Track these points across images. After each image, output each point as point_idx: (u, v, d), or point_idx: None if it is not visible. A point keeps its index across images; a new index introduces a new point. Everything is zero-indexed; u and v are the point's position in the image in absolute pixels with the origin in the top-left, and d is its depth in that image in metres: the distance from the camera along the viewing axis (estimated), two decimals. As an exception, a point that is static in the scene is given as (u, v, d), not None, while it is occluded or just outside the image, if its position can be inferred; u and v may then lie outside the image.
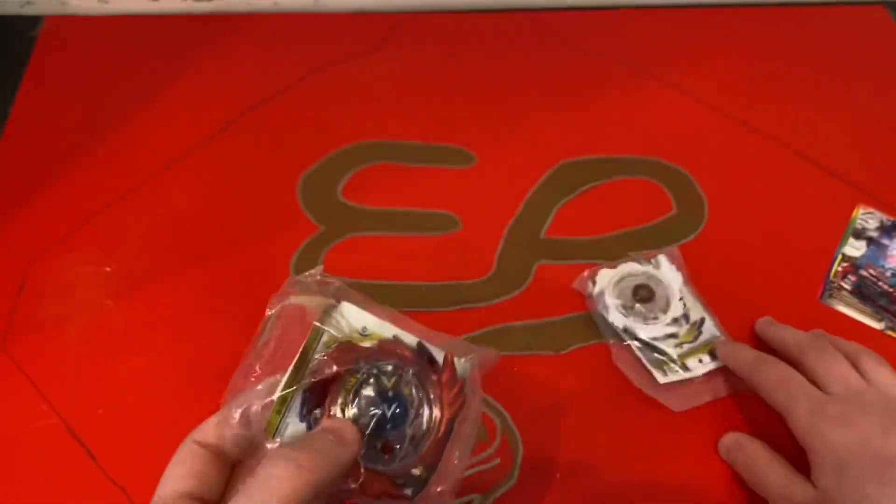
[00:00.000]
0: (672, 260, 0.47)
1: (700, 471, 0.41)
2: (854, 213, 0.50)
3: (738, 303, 0.47)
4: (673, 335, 0.44)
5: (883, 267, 0.47)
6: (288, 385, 0.28)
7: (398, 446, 0.29)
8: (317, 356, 0.29)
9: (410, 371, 0.29)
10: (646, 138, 0.55)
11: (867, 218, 0.50)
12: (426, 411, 0.29)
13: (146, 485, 0.40)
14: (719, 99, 0.57)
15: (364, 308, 0.31)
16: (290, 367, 0.29)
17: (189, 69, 0.58)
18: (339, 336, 0.30)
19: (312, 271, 0.32)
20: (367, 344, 0.30)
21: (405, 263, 0.48)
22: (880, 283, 0.46)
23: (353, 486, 0.27)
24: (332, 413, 0.28)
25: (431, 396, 0.29)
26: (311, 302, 0.31)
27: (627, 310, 0.45)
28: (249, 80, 0.58)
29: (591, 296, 0.46)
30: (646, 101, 0.57)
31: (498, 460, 0.41)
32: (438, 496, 0.28)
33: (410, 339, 0.30)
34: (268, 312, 0.31)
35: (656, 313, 0.45)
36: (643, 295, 0.45)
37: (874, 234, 0.49)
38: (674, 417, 0.43)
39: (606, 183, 0.52)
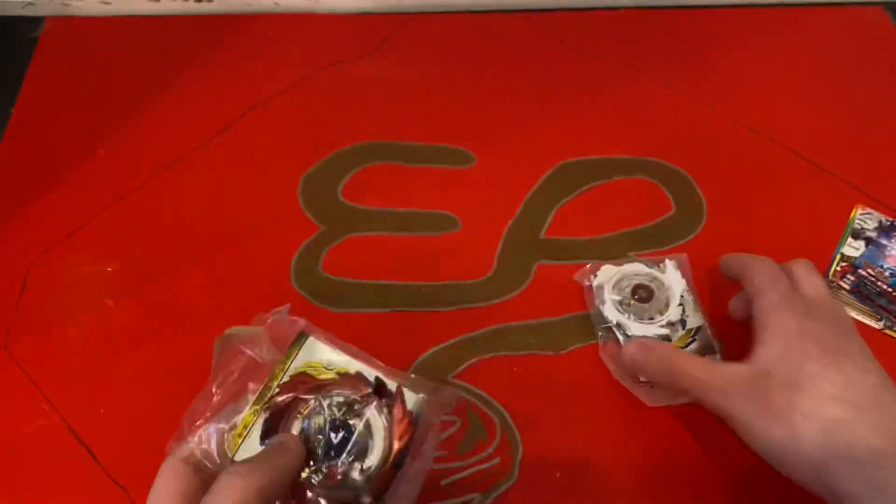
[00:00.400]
0: (679, 266, 0.46)
1: (701, 470, 0.41)
2: (853, 214, 0.50)
3: (738, 302, 0.47)
4: (665, 337, 0.44)
5: (881, 267, 0.47)
6: (251, 411, 0.31)
7: (345, 473, 0.30)
8: (278, 385, 0.32)
9: (362, 402, 0.31)
10: (645, 138, 0.55)
11: (866, 218, 0.50)
12: (376, 441, 0.30)
13: (147, 484, 0.40)
14: (718, 99, 0.57)
15: (329, 344, 0.33)
16: (255, 395, 0.32)
17: (190, 70, 0.58)
18: (301, 367, 0.32)
19: (281, 308, 0.34)
20: (326, 376, 0.32)
21: (405, 263, 0.48)
22: (879, 283, 0.46)
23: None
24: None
25: (383, 428, 0.31)
26: (243, 331, 0.34)
27: (624, 306, 0.45)
28: (250, 80, 0.58)
29: (590, 288, 0.46)
30: (645, 101, 0.57)
31: (498, 459, 0.41)
32: None
33: (370, 374, 0.32)
34: (217, 341, 0.34)
35: (653, 314, 0.44)
36: (642, 295, 0.45)
37: (873, 235, 0.49)
38: (674, 417, 0.43)
39: (606, 183, 0.53)
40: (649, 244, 0.49)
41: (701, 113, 0.57)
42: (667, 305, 0.45)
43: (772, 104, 0.57)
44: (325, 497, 0.29)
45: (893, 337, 0.46)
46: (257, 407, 0.31)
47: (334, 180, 0.52)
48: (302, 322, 0.34)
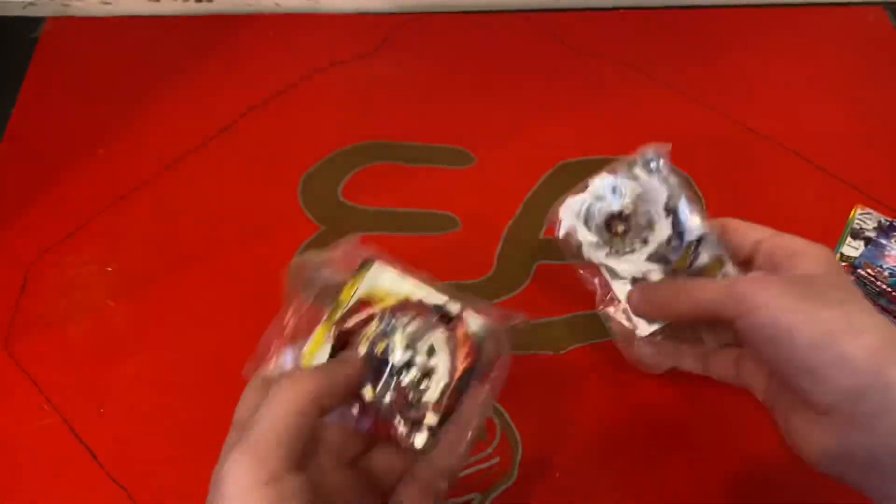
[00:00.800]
0: (657, 163, 0.38)
1: (701, 470, 0.41)
2: (852, 214, 0.50)
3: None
4: (662, 260, 0.36)
5: (881, 267, 0.47)
6: (320, 333, 0.32)
7: (409, 395, 0.31)
8: (345, 309, 0.32)
9: (426, 327, 0.32)
10: (645, 139, 0.55)
11: (865, 218, 0.50)
12: (440, 365, 0.31)
13: (148, 484, 0.40)
14: (718, 99, 0.57)
15: (395, 271, 0.33)
16: (323, 320, 0.32)
17: (190, 70, 0.58)
18: (367, 293, 0.33)
19: (350, 237, 0.35)
20: (391, 302, 0.32)
21: (405, 263, 0.48)
22: (878, 283, 0.46)
23: (366, 424, 0.30)
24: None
25: (446, 351, 0.31)
26: (314, 256, 0.34)
27: (603, 244, 0.37)
28: (250, 80, 0.58)
29: (562, 239, 0.39)
30: (645, 101, 0.57)
31: (497, 459, 0.41)
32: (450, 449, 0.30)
33: (435, 299, 0.33)
34: (289, 267, 0.34)
35: (637, 243, 0.36)
36: (619, 227, 0.37)
37: (872, 235, 0.49)
38: (674, 417, 0.43)
39: (606, 183, 0.53)
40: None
41: (701, 113, 0.57)
42: (651, 225, 0.37)
43: (772, 104, 0.57)
44: (392, 417, 0.30)
45: (893, 337, 0.46)
46: (325, 330, 0.32)
47: (334, 180, 0.52)
48: (369, 249, 0.34)
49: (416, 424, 0.31)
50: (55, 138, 0.54)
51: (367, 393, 0.31)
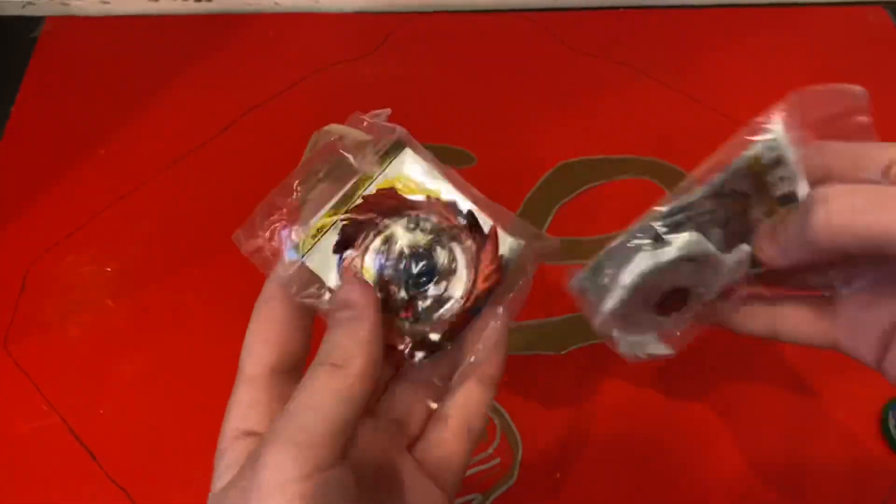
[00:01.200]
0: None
1: (701, 470, 0.41)
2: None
3: (738, 303, 0.47)
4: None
5: (882, 267, 0.47)
6: (329, 213, 0.28)
7: (419, 306, 0.27)
8: (361, 193, 0.28)
9: (450, 233, 0.28)
10: (645, 138, 0.55)
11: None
12: (458, 280, 0.27)
13: (147, 484, 0.40)
14: (718, 99, 0.57)
15: (427, 161, 0.29)
16: (334, 200, 0.28)
17: (189, 70, 0.58)
18: (392, 180, 0.28)
19: (380, 112, 0.31)
20: (416, 196, 0.28)
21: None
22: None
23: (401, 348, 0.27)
24: (358, 250, 0.28)
25: (467, 266, 0.27)
26: (343, 131, 0.30)
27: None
28: (250, 80, 0.58)
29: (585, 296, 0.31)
30: (645, 101, 0.57)
31: (498, 460, 0.41)
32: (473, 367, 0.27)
33: (465, 205, 0.29)
34: (313, 136, 0.30)
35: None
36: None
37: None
38: (674, 417, 0.43)
39: (606, 183, 0.52)
40: (649, 244, 0.49)
41: (701, 113, 0.57)
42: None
43: (771, 103, 0.57)
44: (392, 324, 0.27)
45: None
46: (337, 212, 0.28)
47: (334, 180, 0.52)
48: (400, 130, 0.30)
49: (419, 339, 0.27)
50: (54, 138, 0.54)
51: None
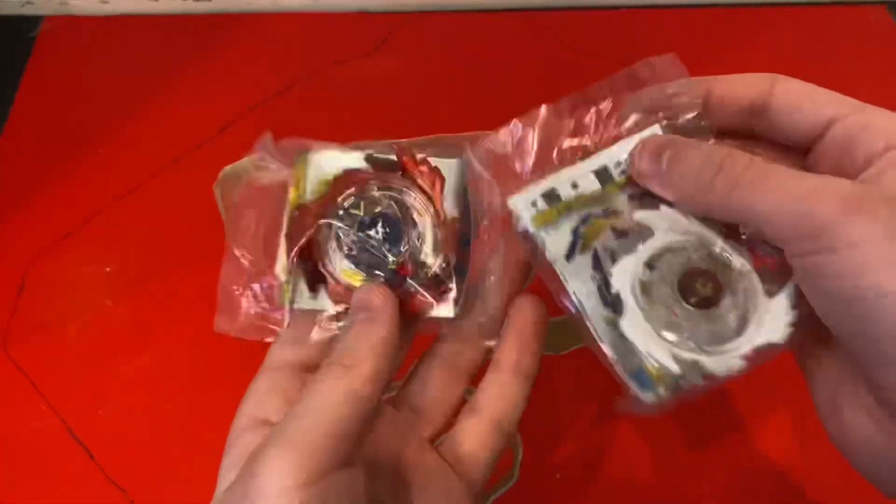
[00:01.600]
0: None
1: (701, 470, 0.41)
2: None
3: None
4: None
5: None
6: (284, 256, 0.27)
7: (408, 255, 0.27)
8: (295, 218, 0.28)
9: (378, 185, 0.27)
10: (646, 138, 0.55)
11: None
12: (420, 214, 0.27)
13: (146, 485, 0.40)
14: (719, 99, 0.57)
15: (336, 149, 0.28)
16: (281, 240, 0.28)
17: (189, 69, 0.58)
18: (317, 188, 0.28)
19: (263, 138, 0.30)
20: (320, 192, 0.28)
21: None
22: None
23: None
24: (327, 267, 0.27)
25: (417, 198, 0.27)
26: (241, 166, 0.29)
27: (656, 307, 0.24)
28: (249, 80, 0.57)
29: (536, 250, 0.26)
30: (646, 101, 0.57)
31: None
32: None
33: (380, 154, 0.28)
34: (214, 189, 0.30)
35: (723, 334, 0.24)
36: (703, 291, 0.24)
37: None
38: (674, 416, 0.43)
39: (606, 183, 0.52)
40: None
41: (701, 113, 0.57)
42: (746, 318, 0.24)
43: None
44: (411, 292, 0.26)
45: None
46: (288, 248, 0.27)
47: (334, 180, 0.52)
48: (292, 141, 0.29)
49: (433, 282, 0.26)
50: (53, 137, 0.54)
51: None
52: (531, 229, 0.25)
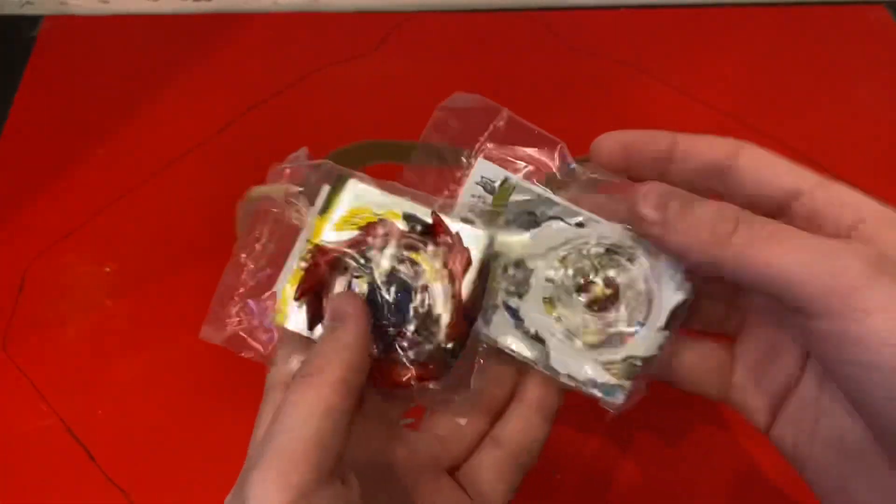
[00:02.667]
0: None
1: (701, 470, 0.41)
2: (854, 214, 0.50)
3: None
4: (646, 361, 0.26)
5: (883, 267, 0.47)
6: (292, 281, 0.27)
7: (412, 328, 0.25)
8: (313, 244, 0.27)
9: (399, 246, 0.26)
10: (646, 138, 0.55)
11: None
12: (436, 286, 0.25)
13: (146, 486, 0.40)
14: (719, 99, 0.57)
15: (373, 184, 0.27)
16: (293, 262, 0.27)
17: (189, 69, 0.58)
18: (346, 217, 0.27)
19: (298, 153, 0.29)
20: (345, 235, 0.27)
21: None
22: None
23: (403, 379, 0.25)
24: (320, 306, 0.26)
25: (439, 269, 0.26)
26: (273, 191, 0.29)
27: (556, 303, 0.25)
28: (249, 80, 0.57)
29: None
30: (646, 101, 0.57)
31: (498, 461, 0.41)
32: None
33: (423, 214, 0.27)
34: (239, 207, 0.29)
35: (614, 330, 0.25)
36: (598, 292, 0.25)
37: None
38: (674, 416, 0.43)
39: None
40: (650, 244, 0.49)
41: (701, 112, 0.57)
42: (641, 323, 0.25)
43: (772, 103, 0.57)
44: (399, 361, 0.25)
45: None
46: (297, 278, 0.26)
47: (334, 180, 0.52)
48: (329, 163, 0.28)
49: (430, 359, 0.25)
50: (53, 138, 0.54)
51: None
52: None
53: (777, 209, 0.23)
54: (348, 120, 0.55)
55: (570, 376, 0.26)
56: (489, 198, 0.26)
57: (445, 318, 0.25)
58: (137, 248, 0.49)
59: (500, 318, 0.25)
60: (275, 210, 0.28)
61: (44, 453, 0.41)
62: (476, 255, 0.26)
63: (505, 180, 0.27)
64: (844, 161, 0.54)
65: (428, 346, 0.25)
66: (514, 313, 0.25)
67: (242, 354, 0.28)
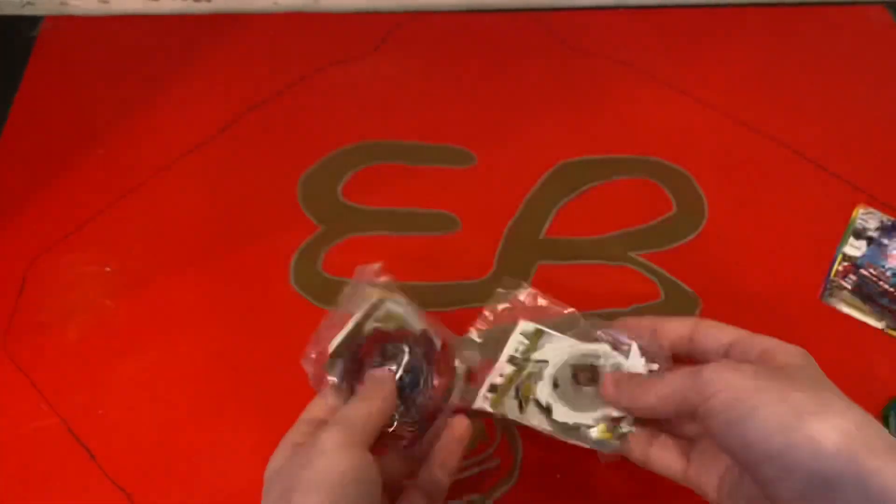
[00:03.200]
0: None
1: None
2: (854, 213, 0.50)
3: (739, 303, 0.47)
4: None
5: (883, 267, 0.47)
6: (341, 341, 0.38)
7: (411, 403, 0.37)
8: (365, 329, 0.39)
9: (419, 351, 0.38)
10: (645, 138, 0.55)
11: (867, 218, 0.50)
12: (430, 378, 0.38)
13: (146, 484, 0.40)
14: (719, 99, 0.57)
15: (403, 302, 0.40)
16: (344, 331, 0.38)
17: (189, 69, 0.58)
18: (379, 320, 0.39)
19: (375, 266, 0.41)
20: (391, 327, 0.39)
21: (405, 263, 0.48)
22: (881, 283, 0.46)
23: (389, 430, 0.36)
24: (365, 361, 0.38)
25: (433, 368, 0.38)
26: (373, 292, 0.40)
27: (558, 389, 0.38)
28: (249, 80, 0.58)
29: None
30: (645, 101, 0.57)
31: (498, 460, 0.41)
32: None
33: (420, 327, 0.39)
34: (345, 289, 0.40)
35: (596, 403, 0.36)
36: (586, 377, 0.38)
37: (874, 234, 0.49)
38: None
39: (606, 183, 0.52)
40: (650, 244, 0.49)
41: (701, 112, 0.57)
42: None
43: (772, 103, 0.57)
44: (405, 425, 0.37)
45: (895, 337, 0.46)
46: (346, 340, 0.38)
47: (334, 180, 0.52)
48: (385, 280, 0.41)
49: (413, 424, 0.37)
50: (54, 138, 0.54)
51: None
52: (490, 409, 0.37)
53: (724, 353, 0.34)
54: (348, 120, 0.55)
55: (581, 435, 0.36)
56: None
57: (425, 401, 0.37)
58: (138, 249, 0.49)
59: (532, 409, 0.37)
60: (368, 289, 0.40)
61: (44, 453, 0.41)
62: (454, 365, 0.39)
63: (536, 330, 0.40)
64: (844, 160, 0.54)
65: (410, 418, 0.37)
66: (540, 405, 0.37)
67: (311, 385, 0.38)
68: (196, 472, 0.41)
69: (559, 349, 0.39)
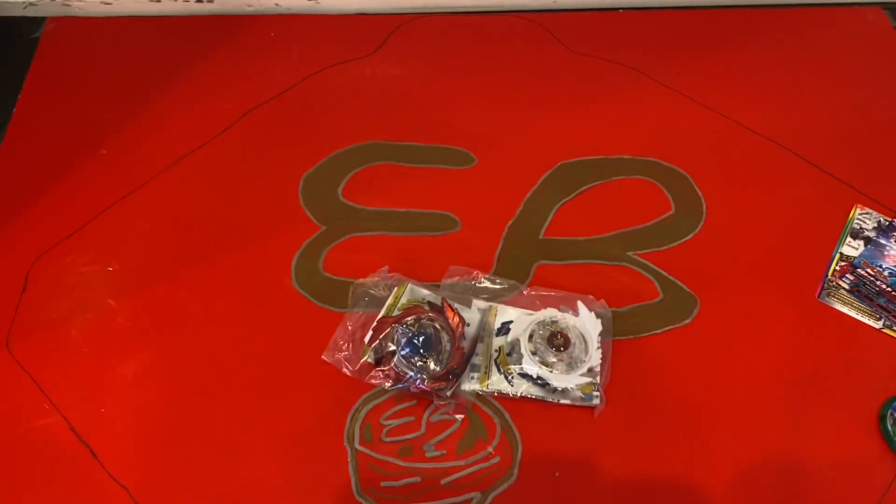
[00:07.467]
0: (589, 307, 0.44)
1: (700, 468, 0.41)
2: (852, 213, 0.51)
3: (738, 302, 0.47)
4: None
5: (880, 266, 0.47)
6: (374, 329, 0.45)
7: (432, 362, 0.44)
8: (388, 314, 0.46)
9: (428, 317, 0.45)
10: (644, 139, 0.55)
11: (864, 218, 0.50)
12: (444, 336, 0.45)
13: (148, 483, 0.41)
14: (717, 99, 0.57)
15: (420, 287, 0.47)
16: (375, 322, 0.46)
17: (191, 70, 0.58)
18: (405, 304, 0.47)
19: (384, 269, 0.48)
20: (404, 306, 0.47)
21: (405, 263, 0.48)
22: (878, 283, 0.46)
23: (419, 384, 0.43)
24: (386, 346, 0.45)
25: (445, 327, 0.45)
26: (364, 282, 0.46)
27: (541, 357, 0.44)
28: (250, 81, 0.58)
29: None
30: (644, 101, 0.57)
31: (497, 459, 0.41)
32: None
33: (434, 299, 0.47)
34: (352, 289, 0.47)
35: (574, 362, 0.43)
36: (559, 342, 0.44)
37: (871, 234, 0.49)
38: (674, 416, 0.43)
39: (605, 183, 0.53)
40: (649, 244, 0.50)
41: (700, 113, 0.57)
42: (586, 351, 0.44)
43: (771, 104, 0.57)
44: (426, 384, 0.43)
45: (892, 336, 0.46)
46: (373, 335, 0.45)
47: (334, 180, 0.52)
48: (397, 276, 0.48)
49: (444, 378, 0.43)
50: (57, 139, 0.54)
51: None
52: (481, 389, 0.44)
53: None
54: (348, 120, 0.56)
55: (567, 394, 0.43)
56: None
57: (450, 355, 0.45)
58: (140, 248, 0.49)
59: (520, 381, 0.43)
60: (371, 291, 0.47)
61: (47, 451, 0.41)
62: (473, 327, 0.47)
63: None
64: (842, 160, 0.54)
65: (439, 369, 0.44)
66: (527, 375, 0.43)
67: (343, 371, 0.44)
68: (197, 468, 0.41)
69: (520, 321, 0.45)
